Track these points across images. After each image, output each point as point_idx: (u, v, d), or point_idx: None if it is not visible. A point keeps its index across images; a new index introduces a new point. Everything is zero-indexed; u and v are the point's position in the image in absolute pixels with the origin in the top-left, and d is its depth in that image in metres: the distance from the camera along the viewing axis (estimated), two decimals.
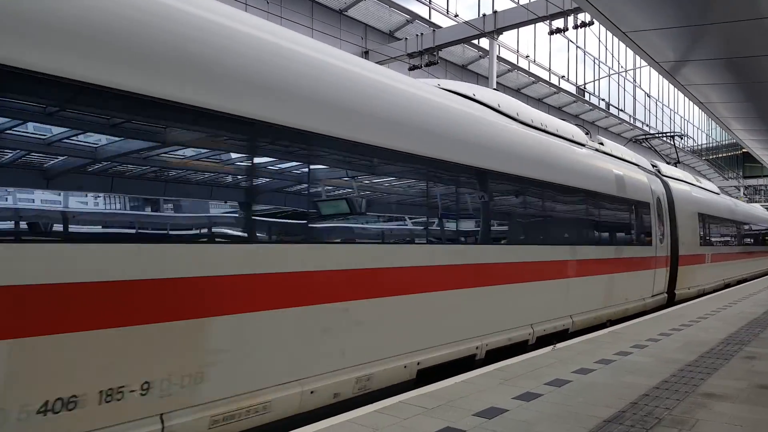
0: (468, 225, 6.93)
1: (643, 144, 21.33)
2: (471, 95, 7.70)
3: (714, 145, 54.69)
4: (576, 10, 17.06)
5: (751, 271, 22.89)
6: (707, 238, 16.25)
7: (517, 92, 26.37)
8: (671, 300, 13.38)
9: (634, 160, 12.55)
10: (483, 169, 6.91)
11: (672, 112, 44.62)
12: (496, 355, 6.96)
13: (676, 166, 17.44)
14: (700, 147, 52.19)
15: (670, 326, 9.33)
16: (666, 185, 13.76)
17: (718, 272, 17.44)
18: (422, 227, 6.18)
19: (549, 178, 8.27)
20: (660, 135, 24.66)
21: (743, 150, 34.92)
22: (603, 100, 33.86)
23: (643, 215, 11.68)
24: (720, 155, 55.14)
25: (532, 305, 7.85)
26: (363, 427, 4.18)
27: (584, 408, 4.77)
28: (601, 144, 11.31)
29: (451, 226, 6.59)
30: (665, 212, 13.02)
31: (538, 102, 27.95)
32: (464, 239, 6.85)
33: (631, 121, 37.23)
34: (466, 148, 6.65)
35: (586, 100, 31.97)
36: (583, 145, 10.11)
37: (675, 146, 22.64)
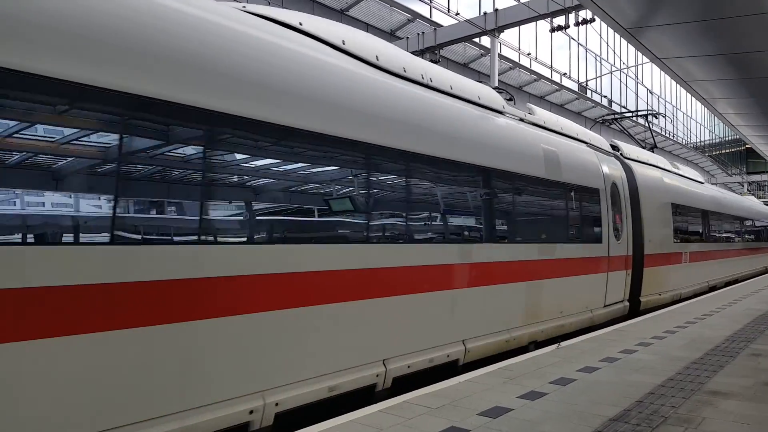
0: (267, 214, 4.55)
1: (612, 126, 18.46)
2: (296, 24, 5.33)
3: (717, 141, 54.56)
4: (577, 7, 17.03)
5: (743, 271, 20.39)
6: (685, 233, 14.07)
7: (519, 90, 26.32)
8: (636, 309, 11.18)
9: (580, 137, 10.05)
10: (308, 133, 4.68)
11: (674, 109, 44.54)
12: (312, 414, 4.65)
13: (652, 152, 14.95)
14: (703, 143, 52.05)
15: (675, 324, 9.30)
16: (629, 169, 11.47)
17: (700, 273, 15.11)
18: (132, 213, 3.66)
19: (426, 149, 5.96)
20: (631, 114, 19.70)
21: (746, 146, 34.84)
22: (605, 97, 33.80)
23: (588, 204, 9.28)
24: (723, 151, 55.01)
25: (384, 332, 5.38)
26: (367, 426, 4.17)
27: (589, 407, 4.75)
28: (530, 113, 8.91)
29: (223, 213, 4.22)
30: (625, 201, 10.66)
31: (540, 99, 27.89)
32: (248, 235, 4.34)
33: (633, 118, 37.14)
34: (279, 101, 4.48)
35: (588, 98, 31.91)
36: (499, 111, 7.82)
37: (650, 128, 18.27)
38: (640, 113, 18.37)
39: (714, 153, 53.69)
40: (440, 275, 6.11)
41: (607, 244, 9.80)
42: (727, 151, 55.14)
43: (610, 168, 10.42)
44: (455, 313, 6.32)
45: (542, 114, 9.26)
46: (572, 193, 8.84)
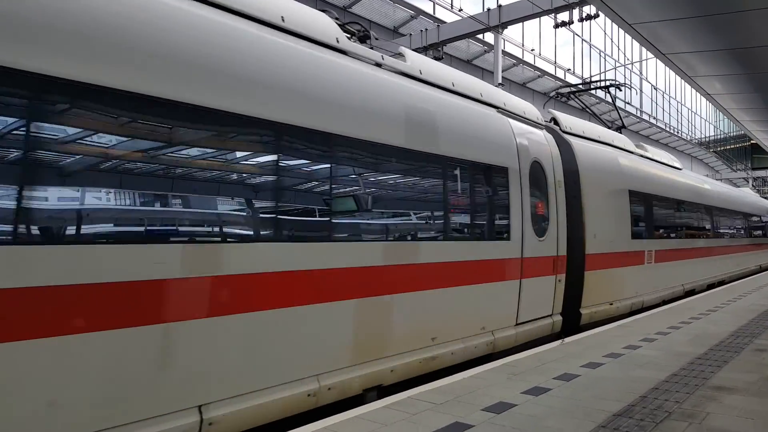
0: None
1: (570, 102, 15.05)
2: None
3: (722, 136, 54.39)
4: (581, 3, 16.99)
5: (731, 271, 17.77)
6: (650, 227, 11.56)
7: (522, 86, 26.30)
8: (575, 323, 8.83)
9: (485, 98, 7.40)
10: None
11: (679, 104, 44.37)
12: None
13: (620, 132, 12.50)
14: (707, 139, 51.85)
15: (679, 319, 9.29)
16: (566, 146, 9.07)
17: (672, 275, 12.55)
18: None
19: (149, 88, 3.66)
20: (590, 85, 15.61)
21: (751, 141, 34.68)
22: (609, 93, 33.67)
23: (487, 188, 6.92)
24: (728, 147, 54.83)
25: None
26: (372, 423, 4.19)
27: (593, 402, 4.76)
28: (398, 57, 6.46)
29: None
30: (555, 186, 8.28)
31: (544, 96, 27.83)
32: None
33: (638, 114, 37.04)
34: None
35: (593, 93, 31.82)
36: (331, 47, 5.35)
37: (615, 105, 15.11)
38: (600, 85, 14.38)
39: (719, 149, 53.50)
40: (141, 298, 3.58)
41: (520, 241, 7.34)
42: (732, 146, 54.94)
43: (532, 142, 7.90)
44: (183, 363, 3.81)
45: (419, 61, 6.57)
46: (456, 172, 6.45)
